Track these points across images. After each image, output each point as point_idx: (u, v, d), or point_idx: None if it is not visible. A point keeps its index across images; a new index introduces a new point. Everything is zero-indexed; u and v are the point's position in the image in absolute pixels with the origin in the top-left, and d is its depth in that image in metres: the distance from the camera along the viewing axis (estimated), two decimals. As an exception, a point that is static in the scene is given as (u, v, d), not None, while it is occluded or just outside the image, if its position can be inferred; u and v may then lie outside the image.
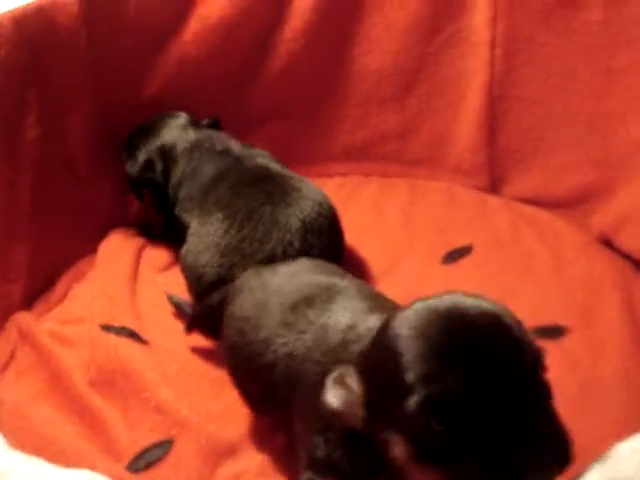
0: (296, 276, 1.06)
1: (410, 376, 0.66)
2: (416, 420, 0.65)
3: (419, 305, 0.73)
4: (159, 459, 1.07)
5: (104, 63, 1.53)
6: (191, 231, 1.37)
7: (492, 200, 1.59)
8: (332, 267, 1.12)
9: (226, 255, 1.26)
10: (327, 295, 0.97)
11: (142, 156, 1.52)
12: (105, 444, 1.10)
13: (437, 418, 0.64)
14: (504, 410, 0.64)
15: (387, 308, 0.92)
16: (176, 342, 1.28)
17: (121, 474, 1.03)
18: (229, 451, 1.07)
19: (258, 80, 1.66)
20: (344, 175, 1.72)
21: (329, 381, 0.74)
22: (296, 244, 1.26)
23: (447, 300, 0.72)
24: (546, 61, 1.47)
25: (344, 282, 1.01)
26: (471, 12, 1.55)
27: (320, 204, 1.34)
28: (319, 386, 0.77)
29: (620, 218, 1.35)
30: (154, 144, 1.51)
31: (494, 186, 1.61)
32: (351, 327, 0.86)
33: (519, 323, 0.71)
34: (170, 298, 1.35)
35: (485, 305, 0.72)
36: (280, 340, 0.95)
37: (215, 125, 1.56)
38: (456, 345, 0.66)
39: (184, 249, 1.35)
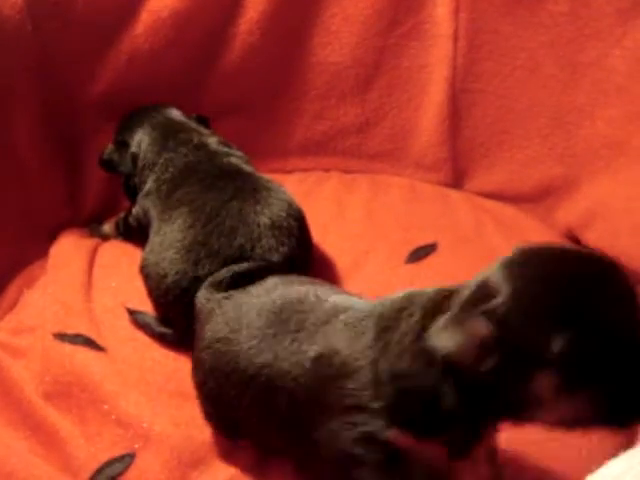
0: (274, 290, 1.02)
1: (554, 316, 0.69)
2: (568, 355, 0.68)
3: (543, 251, 0.76)
4: (121, 473, 1.02)
5: (52, 58, 1.47)
6: (154, 229, 1.32)
7: (455, 195, 1.56)
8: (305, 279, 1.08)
9: (191, 250, 1.22)
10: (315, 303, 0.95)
11: (119, 139, 1.48)
12: (62, 461, 1.05)
13: (585, 350, 0.68)
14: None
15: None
16: (134, 349, 1.23)
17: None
18: (196, 462, 1.04)
19: (213, 74, 1.61)
20: (304, 170, 1.68)
21: (439, 324, 0.74)
22: (264, 241, 1.22)
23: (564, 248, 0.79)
24: (511, 54, 1.45)
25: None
26: (433, 3, 1.53)
27: (290, 205, 1.31)
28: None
29: (586, 214, 1.34)
30: (133, 129, 1.47)
31: (457, 181, 1.58)
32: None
33: None
34: (131, 313, 1.29)
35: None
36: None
37: (203, 121, 1.51)
38: (590, 283, 0.70)
39: (146, 251, 1.29)
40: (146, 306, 1.29)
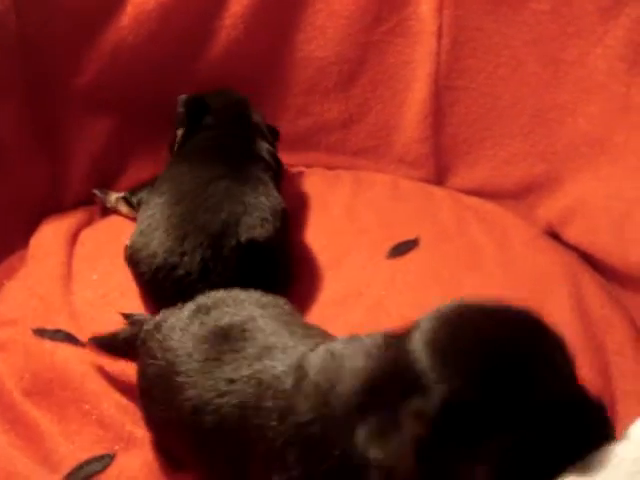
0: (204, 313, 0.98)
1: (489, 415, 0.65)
2: (504, 453, 0.65)
3: (435, 320, 0.71)
4: (99, 472, 1.02)
5: (36, 49, 1.45)
6: (141, 211, 1.32)
7: (437, 192, 1.56)
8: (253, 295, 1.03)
9: (177, 226, 1.22)
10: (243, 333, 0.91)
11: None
12: (40, 456, 1.04)
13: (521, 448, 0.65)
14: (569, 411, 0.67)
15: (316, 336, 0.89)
16: (116, 344, 1.22)
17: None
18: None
19: (197, 67, 1.60)
20: (286, 166, 1.67)
21: (369, 432, 0.68)
22: (248, 219, 1.22)
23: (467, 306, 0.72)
24: (494, 51, 1.45)
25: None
26: (417, 0, 1.52)
27: (277, 199, 1.33)
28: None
29: (567, 210, 1.35)
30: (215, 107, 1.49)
31: (439, 177, 1.58)
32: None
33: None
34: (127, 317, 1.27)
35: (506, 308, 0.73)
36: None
37: (272, 132, 1.54)
38: (516, 357, 0.67)
39: (135, 234, 1.29)
40: (128, 298, 1.29)
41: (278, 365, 0.84)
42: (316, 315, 1.27)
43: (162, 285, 1.22)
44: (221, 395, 0.86)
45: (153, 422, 0.99)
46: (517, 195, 1.46)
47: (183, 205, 1.24)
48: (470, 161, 1.54)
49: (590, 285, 1.26)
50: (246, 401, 0.84)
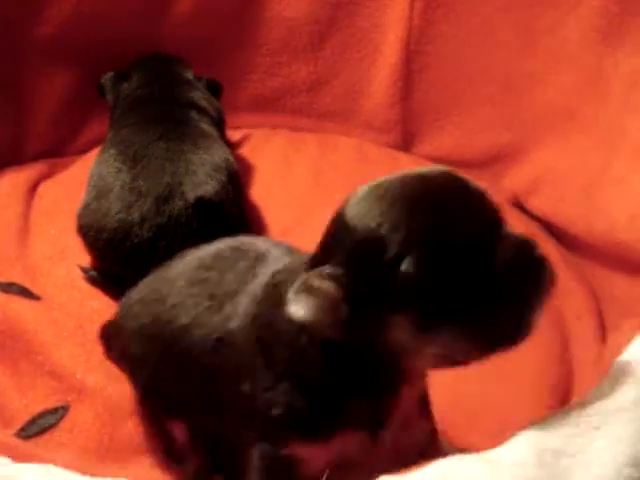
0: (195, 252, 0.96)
1: (395, 242, 0.63)
2: (416, 282, 0.62)
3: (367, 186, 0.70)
4: (53, 425, 1.00)
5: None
6: (89, 177, 1.28)
7: (403, 158, 1.55)
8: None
9: (122, 196, 1.18)
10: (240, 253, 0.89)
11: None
12: (-7, 410, 1.02)
13: (436, 273, 0.62)
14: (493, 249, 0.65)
15: None
16: (72, 298, 1.20)
17: (10, 440, 0.95)
18: (129, 416, 1.01)
19: (163, 25, 1.57)
20: (252, 127, 1.65)
21: (291, 291, 0.66)
22: (193, 177, 1.19)
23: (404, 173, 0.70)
24: (466, 17, 1.43)
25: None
26: (390, -38, 1.50)
27: (225, 156, 1.29)
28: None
29: (532, 180, 1.35)
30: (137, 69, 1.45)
31: (406, 144, 1.57)
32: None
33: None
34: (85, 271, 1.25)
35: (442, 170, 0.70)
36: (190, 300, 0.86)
37: (213, 87, 1.50)
38: (435, 200, 0.65)
39: (82, 204, 1.25)
40: (86, 254, 1.26)
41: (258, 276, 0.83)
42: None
43: (113, 256, 1.19)
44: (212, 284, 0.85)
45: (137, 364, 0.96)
46: (483, 164, 1.45)
47: (125, 174, 1.20)
48: (437, 128, 1.53)
49: (552, 255, 1.25)
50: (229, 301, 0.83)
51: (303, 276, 0.66)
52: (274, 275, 0.79)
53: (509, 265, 0.65)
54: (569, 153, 1.25)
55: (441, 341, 0.65)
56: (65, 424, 1.01)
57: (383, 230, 0.64)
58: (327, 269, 0.66)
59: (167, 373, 0.89)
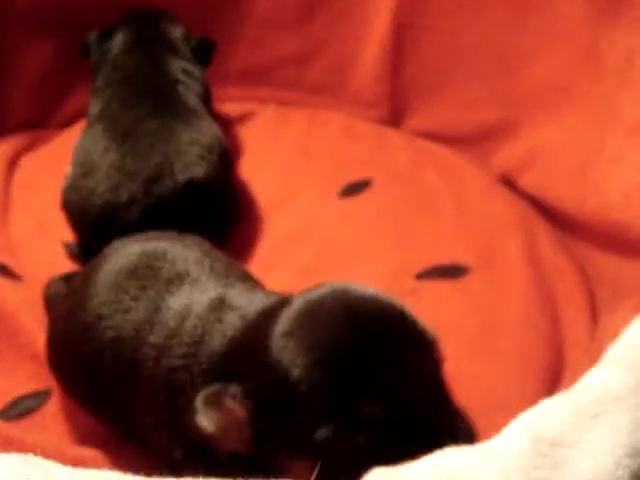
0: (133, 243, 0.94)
1: (314, 406, 0.62)
2: (327, 448, 0.61)
3: (301, 307, 0.67)
4: (34, 409, 0.98)
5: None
6: (74, 152, 1.24)
7: (392, 134, 1.52)
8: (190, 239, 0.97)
9: (109, 177, 1.15)
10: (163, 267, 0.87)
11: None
12: (-27, 392, 0.99)
13: (348, 445, 0.61)
14: (417, 417, 0.63)
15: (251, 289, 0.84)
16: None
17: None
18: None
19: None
20: (239, 101, 1.62)
21: (199, 401, 0.65)
22: (184, 157, 1.16)
23: (335, 297, 0.67)
24: (458, -9, 1.41)
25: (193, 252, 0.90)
26: None
27: (215, 133, 1.26)
28: (176, 378, 0.73)
29: (524, 158, 1.32)
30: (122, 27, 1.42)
31: (395, 119, 1.54)
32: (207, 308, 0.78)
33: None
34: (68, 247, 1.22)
35: (379, 297, 0.67)
36: (105, 322, 0.85)
37: (204, 46, 1.46)
38: (359, 357, 0.62)
39: (67, 181, 1.22)
40: (69, 229, 1.23)
41: (175, 299, 0.82)
42: (264, 255, 1.24)
43: (99, 237, 1.14)
44: (124, 311, 0.83)
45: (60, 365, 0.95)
46: (474, 141, 1.42)
47: (113, 153, 1.17)
48: (427, 104, 1.50)
49: (543, 234, 1.25)
50: (140, 329, 0.81)
51: (214, 387, 0.66)
52: (189, 316, 0.78)
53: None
54: (562, 130, 1.23)
55: None
56: (48, 408, 0.98)
57: (303, 387, 0.62)
58: (238, 391, 0.65)
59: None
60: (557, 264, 1.19)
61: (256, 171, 1.42)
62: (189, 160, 1.16)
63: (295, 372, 0.63)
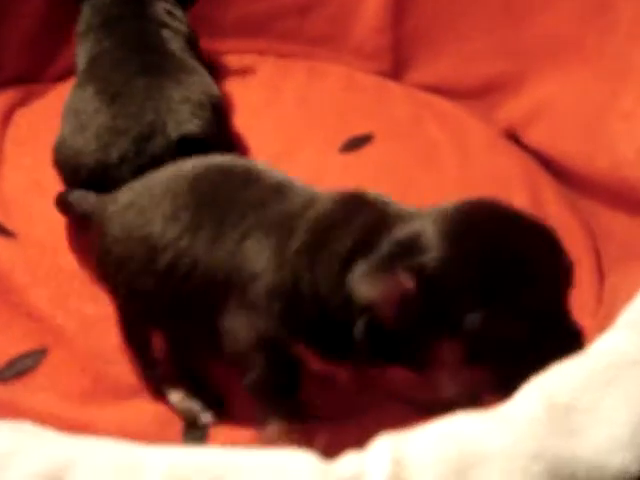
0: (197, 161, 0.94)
1: (472, 293, 0.67)
2: (478, 333, 0.67)
3: (487, 214, 0.72)
4: (31, 369, 0.96)
5: None
6: (64, 110, 1.21)
7: (394, 87, 1.49)
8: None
9: (99, 136, 1.11)
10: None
11: None
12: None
13: (497, 332, 0.67)
14: (547, 318, 0.69)
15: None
16: (48, 234, 1.15)
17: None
18: (110, 361, 0.98)
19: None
20: (237, 53, 1.58)
21: (363, 271, 0.70)
22: (176, 114, 1.12)
23: (495, 207, 0.73)
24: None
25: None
26: None
27: (208, 86, 1.23)
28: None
29: (530, 112, 1.29)
30: None
31: (397, 71, 1.50)
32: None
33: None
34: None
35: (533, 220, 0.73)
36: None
37: None
38: (518, 257, 0.68)
39: (58, 139, 1.18)
40: (64, 186, 1.20)
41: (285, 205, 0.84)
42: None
43: None
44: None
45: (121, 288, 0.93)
46: (478, 94, 1.39)
47: (103, 114, 1.13)
48: (430, 56, 1.46)
49: (549, 191, 1.22)
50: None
51: (379, 257, 0.70)
52: (319, 220, 0.79)
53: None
54: (571, 85, 1.19)
55: (476, 376, 0.70)
56: (44, 368, 0.97)
57: (466, 275, 0.68)
58: (414, 261, 0.68)
59: (151, 285, 0.87)
60: (562, 221, 1.16)
61: (255, 125, 1.38)
62: (181, 118, 1.13)
63: (462, 263, 0.68)
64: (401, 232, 0.72)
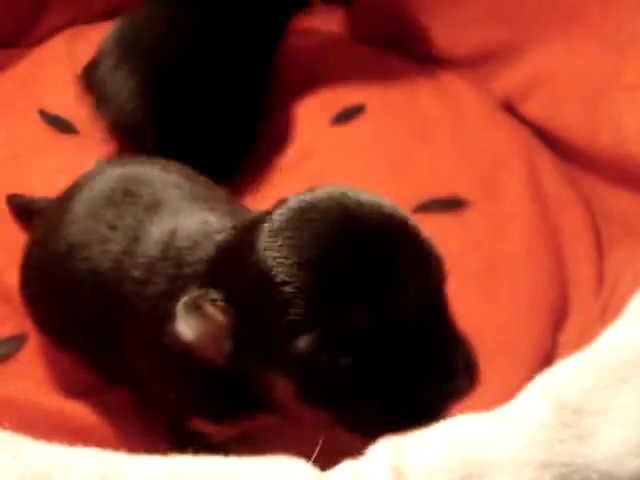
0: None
1: (297, 311, 0.55)
2: (307, 361, 0.56)
3: (294, 205, 0.61)
4: (10, 356, 0.93)
5: None
6: None
7: (386, 56, 1.43)
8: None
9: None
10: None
11: None
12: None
13: (331, 359, 0.55)
14: (411, 339, 0.56)
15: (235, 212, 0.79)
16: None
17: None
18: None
19: None
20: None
21: (180, 307, 0.59)
22: None
23: (332, 198, 0.60)
24: None
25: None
26: None
27: None
28: (161, 306, 0.67)
29: (528, 83, 1.23)
30: None
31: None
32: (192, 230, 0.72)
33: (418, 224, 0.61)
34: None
35: (380, 202, 0.61)
36: (80, 253, 0.79)
37: None
38: (352, 262, 0.56)
39: None
40: (42, 158, 1.16)
41: (156, 227, 0.76)
42: (256, 184, 1.18)
43: None
44: (102, 241, 0.78)
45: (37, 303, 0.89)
46: (474, 63, 1.33)
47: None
48: (424, 23, 1.40)
49: (547, 165, 1.18)
50: (120, 258, 0.76)
51: (194, 293, 0.60)
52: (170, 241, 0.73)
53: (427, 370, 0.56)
54: (572, 55, 1.14)
55: (321, 417, 0.60)
56: (24, 355, 0.94)
57: (287, 288, 0.56)
58: (219, 295, 0.60)
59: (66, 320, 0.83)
60: (562, 197, 1.13)
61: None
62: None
63: (280, 271, 0.56)
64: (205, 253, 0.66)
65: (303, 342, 0.55)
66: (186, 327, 0.59)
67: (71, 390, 0.90)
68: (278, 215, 0.60)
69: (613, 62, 1.05)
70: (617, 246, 1.03)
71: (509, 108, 1.28)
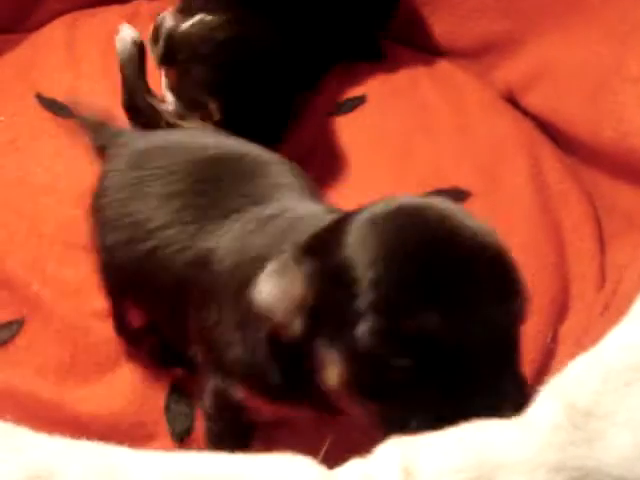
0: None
1: (370, 300, 0.55)
2: (368, 350, 0.55)
3: (391, 208, 0.60)
4: (7, 341, 0.93)
5: None
6: None
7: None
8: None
9: None
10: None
11: None
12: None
13: (392, 354, 0.54)
14: (472, 361, 0.54)
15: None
16: (24, 195, 1.09)
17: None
18: (89, 332, 0.94)
19: None
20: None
21: (268, 268, 0.60)
22: None
23: (431, 209, 0.60)
24: None
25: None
26: None
27: None
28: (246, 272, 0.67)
29: (530, 74, 1.23)
30: None
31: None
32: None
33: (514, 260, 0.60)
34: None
35: (480, 227, 0.61)
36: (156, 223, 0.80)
37: None
38: (435, 271, 0.55)
39: None
40: (40, 142, 1.16)
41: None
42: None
43: None
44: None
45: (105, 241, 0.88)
46: (475, 54, 1.32)
47: None
48: (426, 14, 1.39)
49: (549, 157, 1.18)
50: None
51: (284, 258, 0.61)
52: (274, 216, 0.74)
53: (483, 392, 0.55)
54: (574, 47, 1.13)
55: (365, 410, 0.59)
56: (21, 341, 0.93)
57: (369, 276, 0.55)
58: (306, 268, 0.60)
59: (136, 270, 0.82)
60: (563, 190, 1.13)
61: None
62: None
63: (363, 260, 0.57)
64: (305, 234, 0.65)
65: (368, 330, 0.55)
66: (267, 287, 0.60)
67: (66, 376, 0.90)
68: (379, 209, 0.61)
69: (616, 53, 1.04)
70: (619, 239, 1.02)
71: (511, 100, 1.28)
